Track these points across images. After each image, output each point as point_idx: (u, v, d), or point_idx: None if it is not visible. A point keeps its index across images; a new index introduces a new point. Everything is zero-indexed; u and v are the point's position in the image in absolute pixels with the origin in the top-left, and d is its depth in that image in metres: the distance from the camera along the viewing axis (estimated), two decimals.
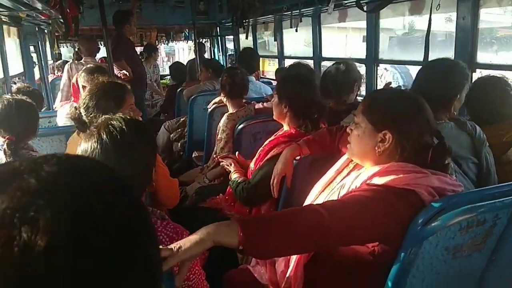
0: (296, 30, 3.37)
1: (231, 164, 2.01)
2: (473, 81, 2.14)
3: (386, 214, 1.07)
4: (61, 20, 3.21)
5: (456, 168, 1.50)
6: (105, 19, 3.33)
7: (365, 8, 2.59)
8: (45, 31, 4.87)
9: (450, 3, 2.27)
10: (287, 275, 1.29)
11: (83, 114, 1.69)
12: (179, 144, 3.89)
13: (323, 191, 1.36)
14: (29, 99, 1.92)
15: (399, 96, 1.26)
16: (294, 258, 1.29)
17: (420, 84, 1.64)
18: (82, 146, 1.04)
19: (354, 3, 2.63)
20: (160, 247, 0.91)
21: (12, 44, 3.79)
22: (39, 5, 2.36)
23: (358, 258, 1.18)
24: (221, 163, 2.14)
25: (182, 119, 3.95)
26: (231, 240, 0.96)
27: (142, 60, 5.63)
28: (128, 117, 1.12)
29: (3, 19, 2.73)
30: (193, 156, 3.53)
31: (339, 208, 1.07)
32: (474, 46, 2.22)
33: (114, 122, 1.07)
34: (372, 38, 2.93)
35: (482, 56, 2.26)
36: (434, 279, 1.18)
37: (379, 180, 1.11)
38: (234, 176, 1.94)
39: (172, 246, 0.92)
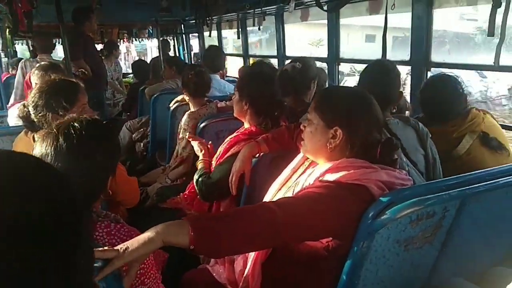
0: (259, 29, 3.37)
1: (202, 151, 1.97)
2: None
3: (337, 209, 1.08)
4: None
5: (407, 161, 1.55)
6: (62, 15, 3.19)
7: (325, 8, 2.62)
8: None
9: (406, 3, 2.33)
10: (245, 274, 1.28)
11: (31, 112, 1.61)
12: (141, 144, 3.81)
13: (280, 190, 1.37)
14: None
15: (350, 94, 1.28)
16: (251, 257, 1.28)
17: (368, 83, 1.69)
18: (38, 146, 1.00)
19: (314, 2, 2.66)
20: (106, 248, 0.88)
21: None
22: None
23: (313, 253, 1.19)
24: (192, 142, 2.07)
25: (144, 119, 3.87)
26: (181, 240, 0.94)
27: (103, 57, 5.47)
28: (92, 120, 1.08)
29: None
30: (156, 156, 3.46)
31: (292, 204, 1.08)
32: (429, 45, 2.30)
33: (76, 124, 1.03)
34: (333, 37, 2.97)
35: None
36: (387, 271, 1.20)
37: (330, 177, 1.13)
38: (199, 165, 1.91)
39: (119, 247, 0.89)
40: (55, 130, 1.01)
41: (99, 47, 5.90)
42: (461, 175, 1.19)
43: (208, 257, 1.05)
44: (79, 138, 0.99)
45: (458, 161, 1.84)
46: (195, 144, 2.02)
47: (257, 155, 1.66)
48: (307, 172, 1.27)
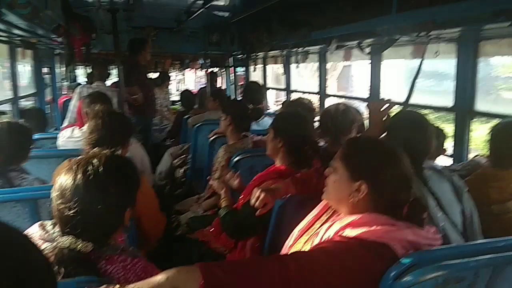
0: (297, 67, 3.41)
1: (222, 189, 1.99)
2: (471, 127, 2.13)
3: (356, 267, 1.03)
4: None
5: (442, 215, 1.47)
6: (119, 45, 3.45)
7: (367, 50, 2.62)
8: (60, 53, 5.07)
9: (451, 50, 2.28)
10: None
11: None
12: (181, 170, 3.91)
13: (302, 236, 1.33)
14: (27, 123, 1.97)
15: (380, 148, 1.23)
16: None
17: (401, 136, 1.59)
18: (60, 179, 1.07)
19: (356, 44, 2.67)
20: (117, 285, 0.90)
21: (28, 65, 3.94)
22: (48, 33, 2.48)
23: None
24: (212, 185, 2.11)
25: (186, 146, 3.98)
26: (191, 287, 0.94)
27: (156, 86, 5.77)
28: (110, 156, 1.14)
29: (16, 43, 2.86)
30: (193, 184, 3.53)
31: (307, 260, 1.04)
32: (473, 93, 2.21)
33: (95, 160, 1.09)
34: (375, 78, 2.94)
35: None
36: None
37: (351, 232, 1.09)
38: (223, 204, 1.93)
39: (129, 286, 0.90)
40: (75, 165, 1.07)
41: (154, 75, 6.28)
42: (493, 239, 1.11)
43: None
44: (95, 174, 1.05)
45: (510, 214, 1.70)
46: (214, 183, 2.05)
47: (284, 196, 1.64)
48: (328, 222, 1.24)
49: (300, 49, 3.32)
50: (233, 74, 6.28)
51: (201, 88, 5.79)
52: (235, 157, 2.39)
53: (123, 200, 1.10)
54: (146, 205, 1.68)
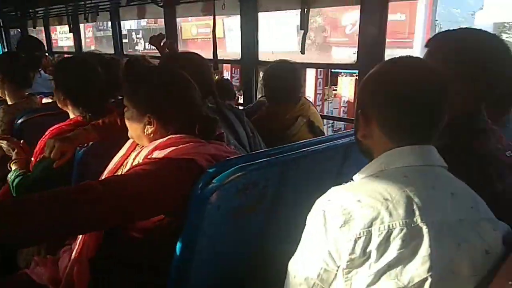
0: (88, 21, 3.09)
1: (14, 150, 1.69)
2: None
3: (166, 185, 1.06)
4: None
5: (235, 143, 1.65)
6: None
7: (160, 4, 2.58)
8: None
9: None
10: (67, 270, 1.15)
11: None
12: None
13: None
14: None
15: (157, 78, 1.22)
16: (76, 251, 1.17)
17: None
18: None
19: None
20: None
21: None
22: None
23: (147, 236, 1.15)
24: (1, 144, 1.77)
25: None
26: None
27: None
28: None
29: None
30: None
31: (117, 182, 1.01)
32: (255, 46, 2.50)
33: None
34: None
35: None
36: (221, 241, 1.24)
37: (159, 154, 1.11)
38: (13, 167, 1.65)
39: None
40: None
41: None
42: (280, 146, 1.33)
43: (10, 247, 0.85)
44: None
45: (294, 138, 2.06)
46: (3, 144, 1.74)
47: (85, 144, 1.52)
48: (136, 153, 1.22)
49: (89, 4, 2.98)
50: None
51: None
52: (20, 118, 2.03)
53: None
54: None
